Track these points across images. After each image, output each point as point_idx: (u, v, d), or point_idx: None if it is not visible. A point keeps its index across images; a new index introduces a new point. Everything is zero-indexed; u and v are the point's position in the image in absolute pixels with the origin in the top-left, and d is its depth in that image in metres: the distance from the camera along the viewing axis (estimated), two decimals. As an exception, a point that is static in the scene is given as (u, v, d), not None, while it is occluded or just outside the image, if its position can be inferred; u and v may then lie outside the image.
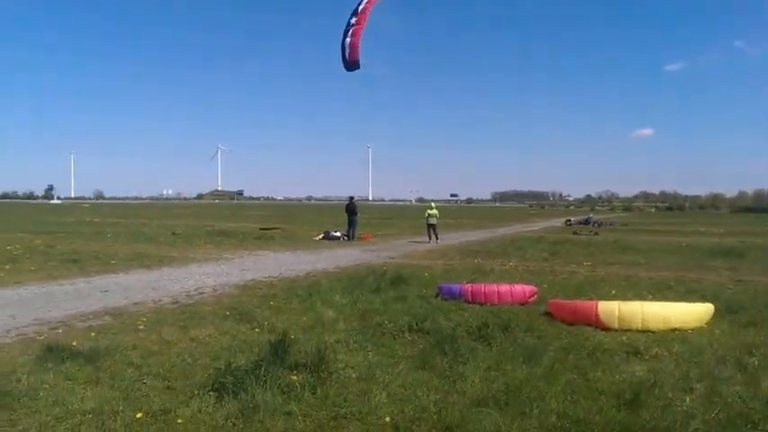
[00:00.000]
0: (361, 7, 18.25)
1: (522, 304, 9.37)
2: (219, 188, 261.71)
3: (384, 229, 34.18)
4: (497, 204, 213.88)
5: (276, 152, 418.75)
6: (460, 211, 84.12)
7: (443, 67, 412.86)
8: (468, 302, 9.39)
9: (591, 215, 47.92)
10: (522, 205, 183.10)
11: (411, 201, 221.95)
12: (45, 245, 19.55)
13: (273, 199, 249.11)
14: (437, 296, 9.95)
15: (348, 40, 17.18)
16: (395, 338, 7.14)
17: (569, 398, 5.08)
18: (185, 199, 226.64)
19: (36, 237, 23.58)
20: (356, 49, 17.05)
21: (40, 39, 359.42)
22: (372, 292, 10.42)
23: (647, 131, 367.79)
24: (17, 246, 18.73)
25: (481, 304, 9.24)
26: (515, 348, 6.67)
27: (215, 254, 18.18)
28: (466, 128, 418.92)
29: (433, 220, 24.46)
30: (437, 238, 24.14)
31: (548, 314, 8.59)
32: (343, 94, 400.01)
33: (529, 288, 9.99)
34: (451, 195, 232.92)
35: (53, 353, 6.02)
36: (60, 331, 7.47)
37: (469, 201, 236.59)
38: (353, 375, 5.53)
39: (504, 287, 9.80)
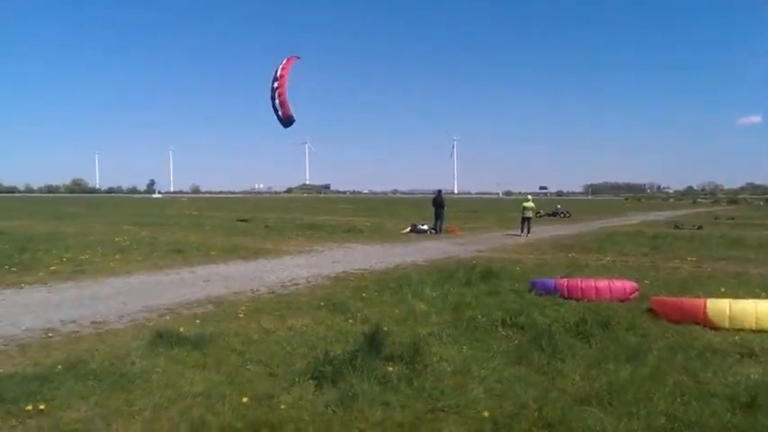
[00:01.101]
0: (279, 73, 19.87)
1: (622, 301, 8.95)
2: (307, 182, 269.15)
3: (471, 222, 33.80)
4: (590, 197, 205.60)
5: (362, 146, 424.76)
6: (551, 204, 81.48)
7: (533, 58, 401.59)
8: (564, 298, 9.07)
9: (558, 206, 48.69)
10: (617, 198, 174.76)
11: (498, 194, 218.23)
12: (150, 236, 20.89)
13: (359, 193, 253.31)
14: (530, 291, 9.68)
15: (277, 101, 18.83)
16: (488, 333, 7.03)
17: (679, 399, 4.84)
18: (275, 193, 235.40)
19: (141, 229, 25.27)
20: (286, 106, 18.90)
21: (141, 43, 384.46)
22: (463, 285, 10.31)
23: (755, 119, 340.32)
24: (125, 237, 20.14)
25: (578, 300, 8.89)
26: (617, 347, 6.41)
27: (306, 246, 18.70)
28: (556, 118, 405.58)
29: (529, 214, 24.00)
30: (528, 232, 23.58)
31: (650, 312, 8.17)
32: (429, 87, 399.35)
33: (629, 284, 9.52)
34: (540, 188, 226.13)
35: (163, 338, 6.40)
36: (168, 318, 7.95)
37: (560, 193, 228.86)
38: (448, 369, 5.50)
39: (603, 283, 9.38)
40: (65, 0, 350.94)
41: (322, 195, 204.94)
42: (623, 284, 9.42)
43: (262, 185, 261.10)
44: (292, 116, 19.18)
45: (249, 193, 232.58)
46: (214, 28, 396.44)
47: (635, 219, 41.63)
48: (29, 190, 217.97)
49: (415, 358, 5.52)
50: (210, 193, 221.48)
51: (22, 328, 7.27)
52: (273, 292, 10.02)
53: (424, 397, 4.78)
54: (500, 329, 7.15)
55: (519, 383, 5.15)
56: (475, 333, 6.99)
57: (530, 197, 25.14)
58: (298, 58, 20.95)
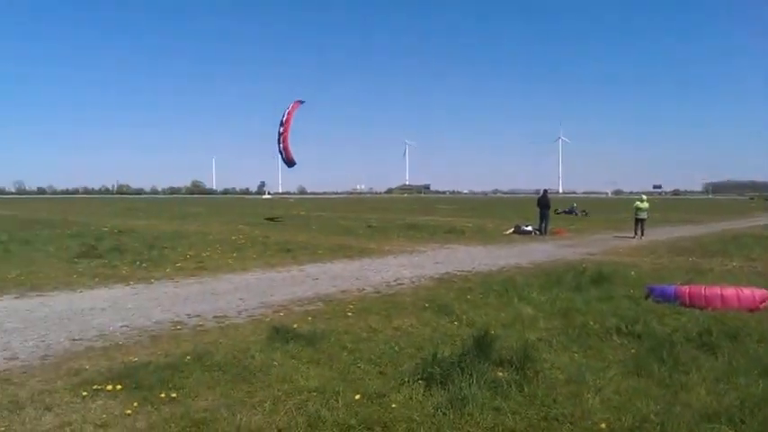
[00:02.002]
0: (284, 118, 21.13)
1: (752, 310, 8.25)
2: (407, 183, 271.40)
3: (578, 223, 32.53)
4: (710, 196, 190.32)
5: (462, 146, 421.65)
6: (666, 204, 76.53)
7: (645, 49, 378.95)
8: (685, 306, 8.49)
9: (574, 204, 48.19)
10: (742, 197, 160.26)
11: (607, 193, 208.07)
12: (262, 236, 22.04)
13: (459, 193, 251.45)
14: (647, 297, 9.17)
15: (280, 146, 20.35)
16: (602, 341, 6.75)
17: (824, 420, 4.37)
18: (376, 193, 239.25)
19: (254, 228, 26.73)
20: (288, 151, 20.82)
21: (250, 56, 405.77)
22: (572, 290, 9.95)
23: None
24: (240, 236, 21.44)
25: (701, 309, 8.29)
26: (748, 360, 5.93)
27: (408, 246, 18.88)
28: (671, 112, 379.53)
29: (642, 215, 22.72)
30: (642, 234, 22.30)
31: (785, 323, 7.45)
32: (529, 83, 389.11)
33: (759, 292, 8.74)
34: (654, 187, 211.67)
35: (279, 334, 6.75)
36: (282, 314, 8.36)
37: (676, 192, 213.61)
38: (561, 377, 5.33)
39: (730, 290, 8.68)
40: (192, 15, 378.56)
41: (422, 195, 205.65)
42: (752, 292, 8.68)
43: (363, 186, 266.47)
44: (294, 160, 21.89)
45: (351, 193, 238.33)
46: (327, 39, 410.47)
47: (762, 220, 38.01)
48: (154, 191, 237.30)
49: (526, 364, 5.41)
50: (315, 193, 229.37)
51: (153, 320, 7.95)
52: (379, 292, 10.22)
53: (537, 405, 4.67)
54: (614, 337, 6.83)
55: (638, 396, 4.89)
56: (587, 340, 6.73)
57: (644, 197, 23.78)
58: (302, 102, 23.56)
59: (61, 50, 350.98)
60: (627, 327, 7.09)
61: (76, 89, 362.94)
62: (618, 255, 16.69)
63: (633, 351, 6.28)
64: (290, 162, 21.53)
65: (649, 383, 5.24)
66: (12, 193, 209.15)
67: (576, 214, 42.57)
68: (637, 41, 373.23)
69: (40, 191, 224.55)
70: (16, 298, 9.48)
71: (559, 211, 44.64)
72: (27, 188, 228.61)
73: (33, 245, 17.69)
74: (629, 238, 22.32)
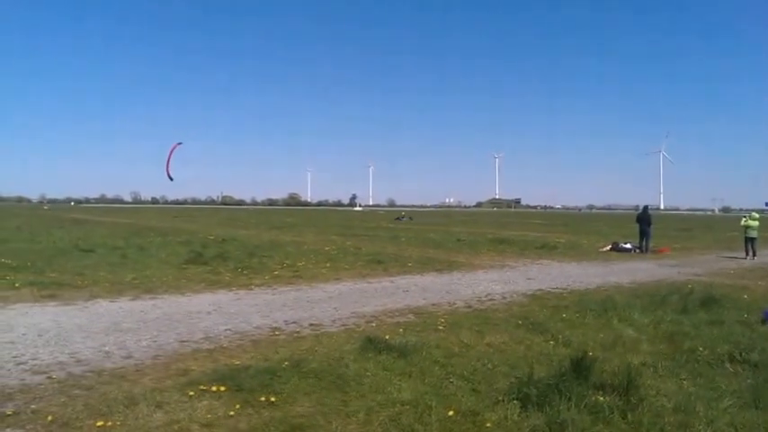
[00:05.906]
0: (168, 151, 27.58)
1: None
2: (497, 197, 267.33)
3: (683, 241, 30.56)
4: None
5: (554, 160, 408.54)
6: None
7: (749, 63, 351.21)
8: (809, 335, 7.75)
9: (403, 213, 65.21)
10: None
11: (713, 210, 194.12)
12: (354, 247, 22.51)
13: (551, 208, 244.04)
14: (763, 323, 8.47)
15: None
16: (713, 368, 6.29)
17: None
18: (465, 207, 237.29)
19: (346, 239, 27.35)
20: (167, 173, 26.16)
21: (343, 78, 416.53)
22: (678, 312, 9.36)
23: None
24: (333, 247, 22.00)
25: (829, 338, 7.53)
26: None
27: (498, 261, 18.56)
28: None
29: (753, 233, 21.10)
30: (754, 254, 20.62)
31: None
32: (624, 93, 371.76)
33: None
34: (767, 204, 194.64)
35: (372, 344, 6.82)
36: (374, 325, 8.46)
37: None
38: (668, 405, 5.01)
39: None
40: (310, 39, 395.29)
41: (512, 210, 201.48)
42: None
43: (452, 199, 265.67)
44: (171, 178, 27.88)
45: (440, 206, 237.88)
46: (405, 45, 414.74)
47: None
48: (254, 202, 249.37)
49: (630, 390, 5.13)
50: (404, 206, 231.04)
51: (254, 325, 8.31)
52: (470, 307, 10.11)
53: (642, 433, 4.43)
54: (727, 365, 6.35)
55: (757, 431, 4.51)
56: (696, 367, 6.29)
57: (755, 214, 22.02)
58: (180, 144, 30.19)
59: (170, 72, 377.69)
60: (741, 354, 6.58)
61: (189, 108, 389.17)
62: (728, 276, 15.51)
63: (749, 381, 5.81)
64: (169, 178, 27.89)
65: (768, 418, 4.82)
66: (129, 203, 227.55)
67: (403, 219, 56.81)
68: (741, 53, 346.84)
69: (154, 201, 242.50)
70: (131, 300, 10.23)
71: (397, 218, 58.28)
72: (142, 198, 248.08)
73: (147, 251, 19.07)
74: (739, 258, 20.73)
